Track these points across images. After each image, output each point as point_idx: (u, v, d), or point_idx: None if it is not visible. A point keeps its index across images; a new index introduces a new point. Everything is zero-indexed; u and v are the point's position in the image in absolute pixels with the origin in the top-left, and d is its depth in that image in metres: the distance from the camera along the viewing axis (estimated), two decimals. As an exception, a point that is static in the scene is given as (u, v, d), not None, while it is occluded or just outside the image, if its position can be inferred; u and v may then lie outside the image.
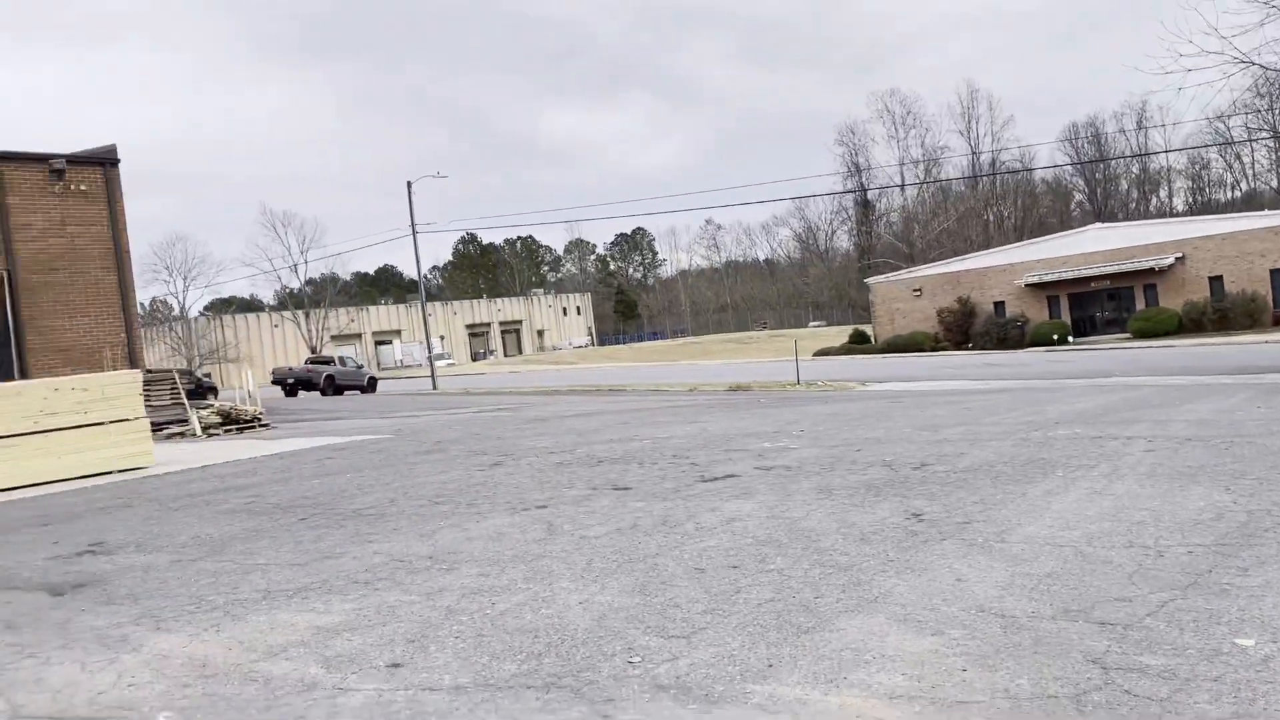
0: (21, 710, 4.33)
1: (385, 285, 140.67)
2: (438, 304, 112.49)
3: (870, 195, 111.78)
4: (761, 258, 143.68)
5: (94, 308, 26.53)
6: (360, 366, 48.97)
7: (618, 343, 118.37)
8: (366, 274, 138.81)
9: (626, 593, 5.42)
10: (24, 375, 23.93)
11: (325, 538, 7.66)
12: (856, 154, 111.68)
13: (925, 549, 5.99)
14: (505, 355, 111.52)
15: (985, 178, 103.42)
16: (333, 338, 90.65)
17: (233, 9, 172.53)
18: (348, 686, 4.30)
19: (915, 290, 58.91)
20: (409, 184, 42.57)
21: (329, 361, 46.45)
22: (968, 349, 53.08)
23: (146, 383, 20.46)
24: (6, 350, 24.33)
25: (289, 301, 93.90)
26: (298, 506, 9.32)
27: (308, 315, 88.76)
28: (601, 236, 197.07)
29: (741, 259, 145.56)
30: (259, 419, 22.27)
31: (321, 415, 27.74)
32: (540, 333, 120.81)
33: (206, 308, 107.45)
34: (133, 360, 27.53)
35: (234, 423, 21.92)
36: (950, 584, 5.21)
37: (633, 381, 37.32)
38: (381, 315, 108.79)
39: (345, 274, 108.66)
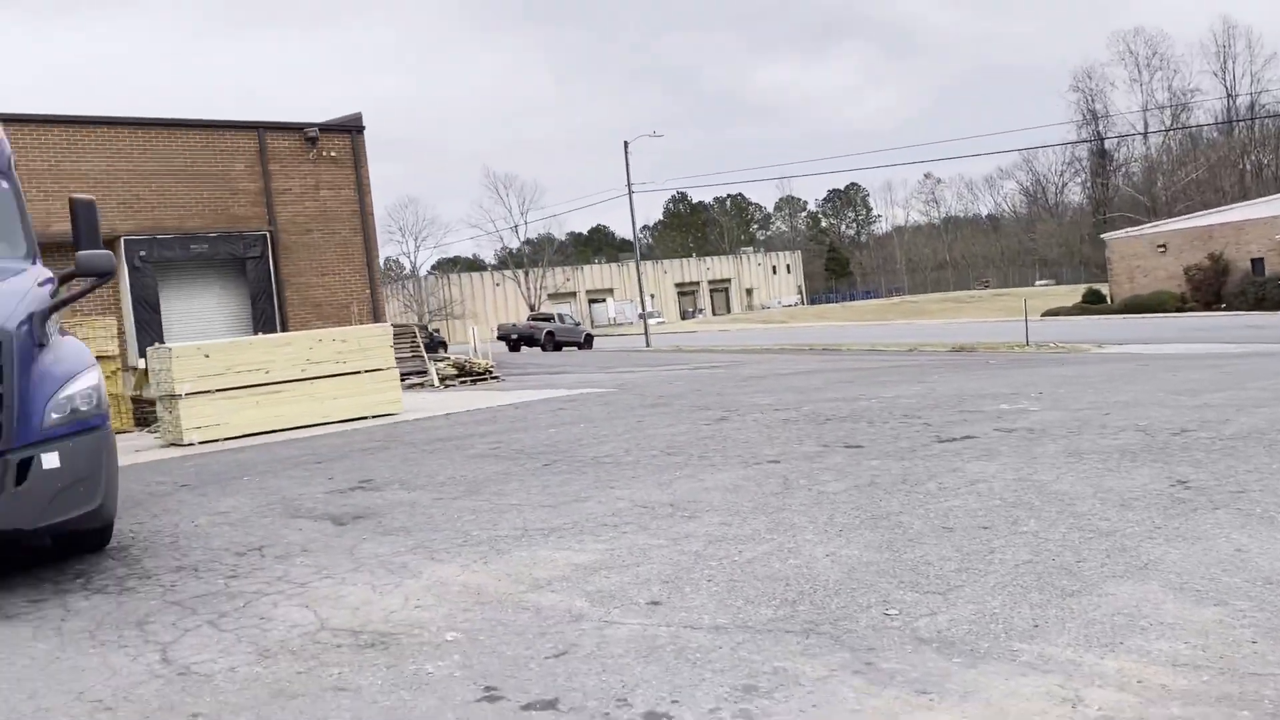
0: (328, 622, 4.84)
1: (598, 245, 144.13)
2: (648, 263, 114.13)
3: (1107, 145, 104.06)
4: (984, 213, 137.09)
5: (342, 266, 28.69)
6: (578, 324, 50.61)
7: (828, 301, 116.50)
8: (580, 234, 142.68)
9: (873, 548, 5.42)
10: (284, 328, 26.22)
11: (570, 483, 8.05)
12: (1093, 100, 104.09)
13: (1196, 517, 5.64)
14: (714, 314, 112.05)
15: (1242, 123, 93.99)
16: (549, 296, 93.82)
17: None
18: (612, 620, 4.54)
19: (1159, 246, 54.61)
20: (625, 144, 43.44)
21: (549, 319, 48.28)
22: (1219, 310, 48.81)
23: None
24: (270, 304, 26.63)
25: (509, 261, 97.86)
26: (539, 453, 9.82)
27: (526, 274, 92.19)
28: (813, 193, 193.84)
29: (962, 214, 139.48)
30: (490, 372, 23.47)
31: (545, 369, 28.91)
32: (749, 291, 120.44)
33: (434, 267, 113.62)
34: (376, 315, 29.62)
35: (467, 375, 23.21)
36: (1229, 554, 4.89)
37: (846, 341, 36.70)
38: (595, 274, 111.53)
39: (560, 234, 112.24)
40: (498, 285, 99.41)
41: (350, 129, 29.16)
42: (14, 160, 7.37)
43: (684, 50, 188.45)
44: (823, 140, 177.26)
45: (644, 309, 47.75)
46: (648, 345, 43.62)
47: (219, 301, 26.63)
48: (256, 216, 26.65)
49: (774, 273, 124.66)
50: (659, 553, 5.64)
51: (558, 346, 45.02)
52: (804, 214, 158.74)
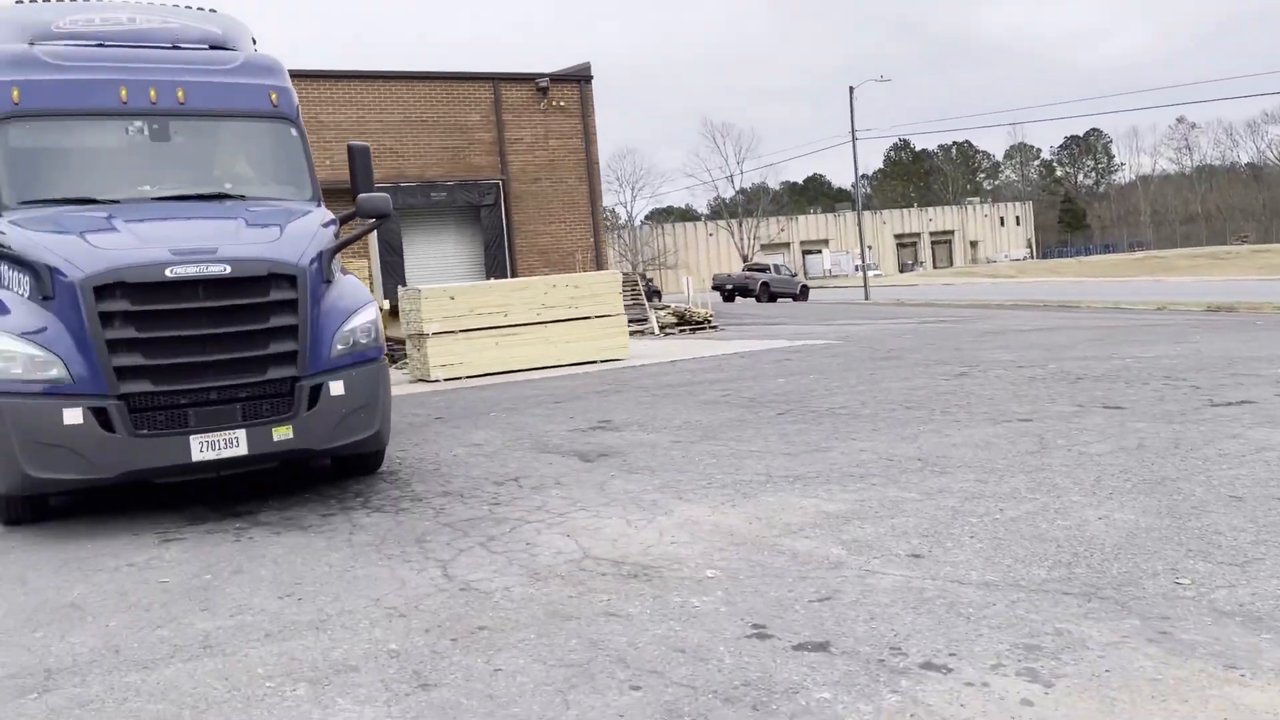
0: (590, 551, 5.04)
1: (813, 194, 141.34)
2: (866, 213, 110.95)
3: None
4: (1244, 160, 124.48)
5: (568, 214, 29.52)
6: (793, 275, 50.05)
7: (1061, 256, 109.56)
8: (795, 183, 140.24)
9: (1151, 514, 5.07)
10: (513, 274, 27.33)
11: (807, 432, 7.99)
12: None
13: None
14: (934, 267, 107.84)
15: None
16: (762, 246, 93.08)
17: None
18: (873, 569, 4.48)
19: None
20: (850, 90, 42.18)
21: (765, 269, 47.96)
22: None
23: (616, 283, 22.40)
24: (501, 251, 27.78)
25: (723, 210, 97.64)
26: (771, 402, 9.80)
27: (740, 224, 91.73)
28: (1047, 140, 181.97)
29: (1218, 163, 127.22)
30: (709, 321, 23.62)
31: (761, 320, 28.80)
32: (973, 244, 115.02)
33: (647, 216, 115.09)
34: (599, 263, 30.36)
35: (686, 323, 23.45)
36: None
37: (1084, 297, 34.42)
38: (810, 224, 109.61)
39: (775, 183, 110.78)
40: (710, 235, 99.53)
41: (579, 79, 29.77)
42: (300, 111, 7.95)
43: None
44: (1060, 84, 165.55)
45: (863, 261, 46.50)
46: (866, 298, 42.58)
47: (455, 247, 28.02)
48: (490, 166, 27.76)
49: (1001, 224, 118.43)
50: (912, 506, 5.51)
51: (772, 298, 44.71)
52: (1036, 162, 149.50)
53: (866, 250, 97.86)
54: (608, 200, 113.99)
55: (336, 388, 6.48)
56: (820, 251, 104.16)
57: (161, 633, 4.26)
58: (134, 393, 5.94)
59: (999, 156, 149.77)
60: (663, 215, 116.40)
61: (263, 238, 6.55)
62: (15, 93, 6.99)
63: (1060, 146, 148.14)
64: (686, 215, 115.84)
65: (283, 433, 6.27)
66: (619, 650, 3.73)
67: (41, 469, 5.87)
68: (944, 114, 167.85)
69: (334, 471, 7.56)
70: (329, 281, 6.77)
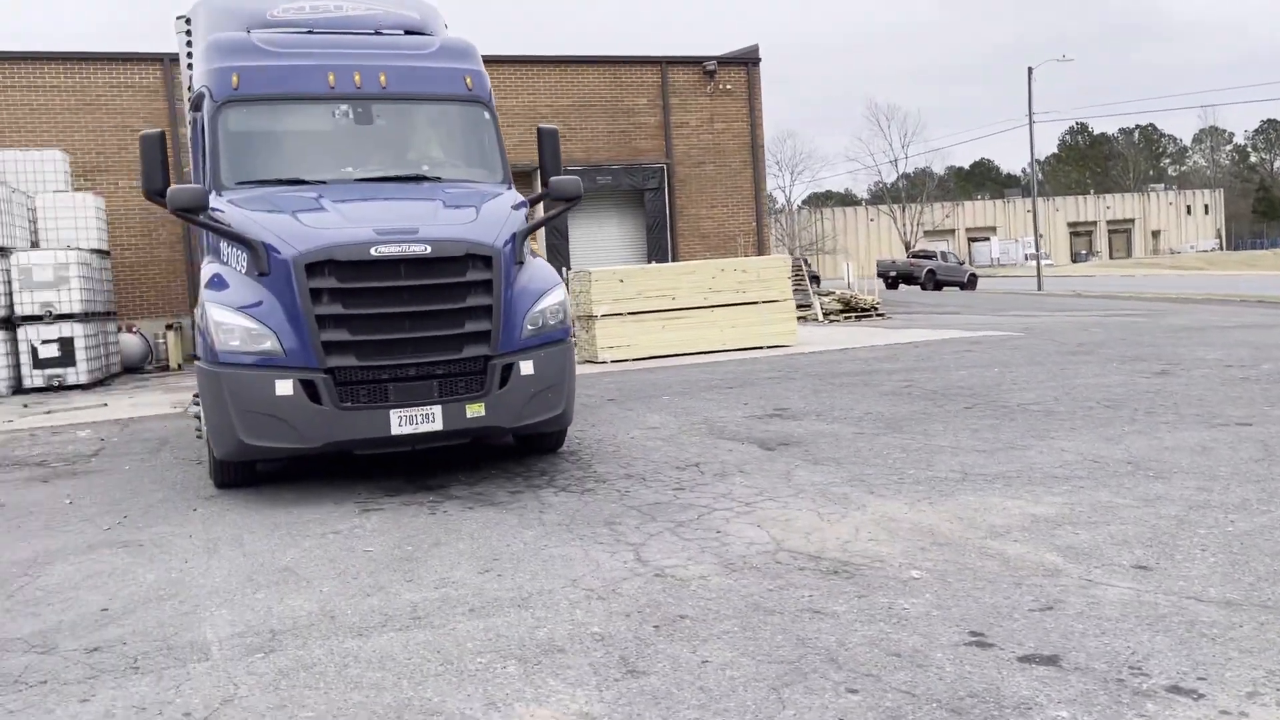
0: (784, 544, 4.92)
1: (980, 180, 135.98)
2: (1038, 200, 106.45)
3: None
4: None
5: (730, 198, 29.31)
6: (961, 263, 48.30)
7: (1256, 247, 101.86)
8: (961, 168, 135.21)
9: None
10: (674, 257, 27.36)
11: (999, 428, 7.62)
12: None
13: None
14: (1110, 257, 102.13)
15: None
16: (926, 233, 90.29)
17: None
18: (1095, 580, 4.19)
19: None
20: (1029, 70, 40.17)
21: (931, 256, 46.47)
22: None
23: (781, 268, 22.09)
24: (664, 235, 27.84)
25: (885, 195, 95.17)
26: (955, 395, 9.42)
27: (904, 209, 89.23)
28: (1241, 124, 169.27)
29: None
30: (875, 308, 23.02)
31: (930, 308, 27.89)
32: (1155, 234, 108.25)
33: (805, 201, 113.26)
34: (760, 248, 30.04)
35: (852, 310, 22.92)
36: None
37: (1287, 293, 31.81)
38: (976, 210, 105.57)
39: (939, 168, 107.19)
40: (871, 220, 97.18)
41: (746, 61, 29.45)
42: (492, 95, 8.08)
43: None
44: (1257, 63, 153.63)
45: (1036, 249, 44.41)
46: (1039, 289, 40.68)
47: (618, 230, 28.26)
48: (655, 149, 27.83)
49: (1188, 213, 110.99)
50: (1129, 513, 5.15)
51: (938, 286, 43.28)
52: (1229, 147, 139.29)
53: (1038, 239, 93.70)
54: (768, 184, 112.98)
55: (527, 367, 6.57)
56: (988, 239, 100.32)
57: (372, 601, 4.40)
58: (340, 367, 6.17)
59: (1186, 141, 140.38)
60: (821, 200, 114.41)
61: (460, 219, 6.69)
62: (235, 78, 7.37)
63: (1256, 131, 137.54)
64: (845, 200, 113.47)
65: (475, 410, 6.40)
66: (828, 649, 3.61)
67: (255, 437, 6.18)
68: (1125, 95, 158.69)
69: (517, 449, 7.70)
70: (520, 263, 6.86)
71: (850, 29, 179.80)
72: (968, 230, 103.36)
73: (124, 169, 24.34)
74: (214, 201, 7.03)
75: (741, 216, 29.96)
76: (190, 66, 9.69)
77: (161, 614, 4.37)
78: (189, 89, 9.76)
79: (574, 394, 7.11)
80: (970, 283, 44.17)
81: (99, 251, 18.69)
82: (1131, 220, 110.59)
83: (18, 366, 16.50)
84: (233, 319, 6.26)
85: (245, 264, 6.52)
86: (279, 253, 6.24)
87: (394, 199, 7.04)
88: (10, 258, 16.47)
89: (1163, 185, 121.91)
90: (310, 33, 8.10)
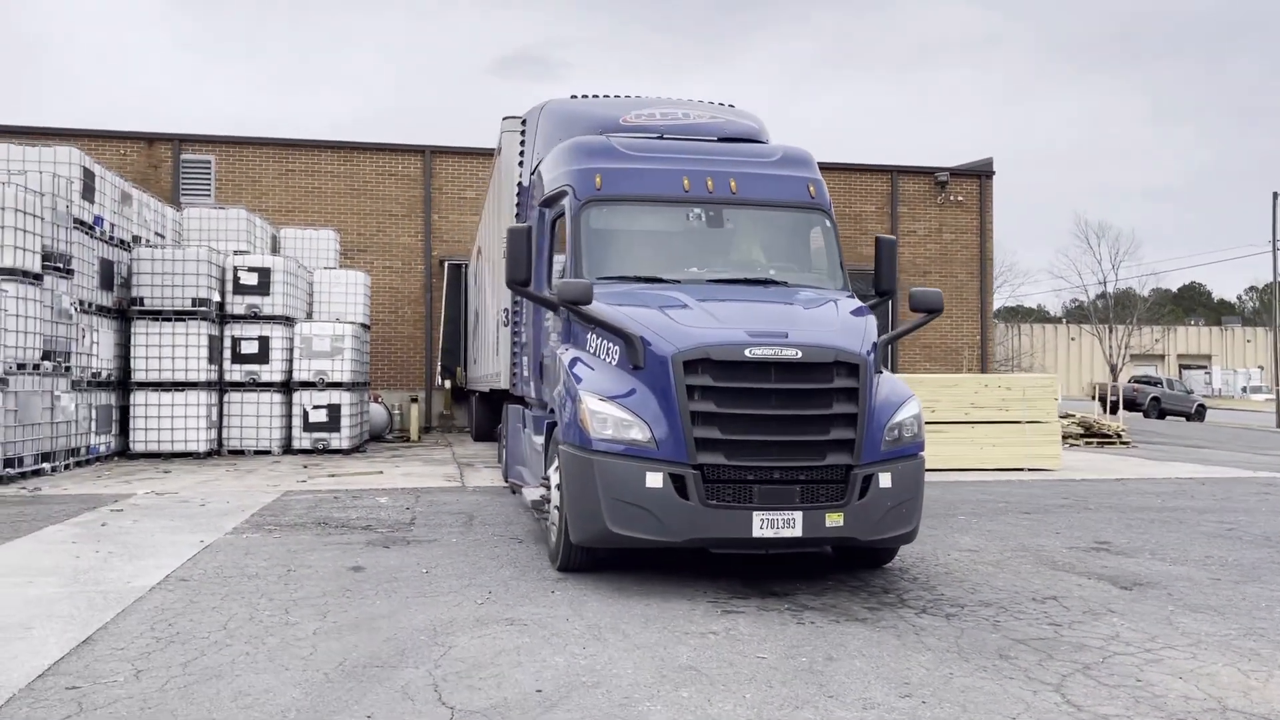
0: (1225, 702, 4.53)
1: (1190, 304, 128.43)
2: (1259, 329, 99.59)
3: None
4: None
5: (956, 310, 28.68)
6: (1190, 391, 45.35)
7: None
8: (1168, 290, 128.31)
9: None
10: (892, 368, 26.80)
11: (1383, 589, 6.91)
12: None
13: None
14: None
15: None
16: (1133, 356, 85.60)
17: (1046, 20, 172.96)
18: None
19: None
20: (1275, 195, 37.87)
21: (1156, 383, 43.85)
22: None
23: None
24: (886, 345, 27.33)
25: (1092, 314, 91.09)
26: (1294, 544, 8.66)
27: (1111, 330, 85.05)
28: None
29: None
30: (1120, 435, 21.76)
31: (1172, 439, 26.18)
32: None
33: (997, 314, 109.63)
34: (984, 363, 29.17)
35: (1094, 436, 21.74)
36: None
37: None
38: (1190, 336, 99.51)
39: (1144, 290, 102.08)
40: (1072, 339, 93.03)
41: (979, 174, 29.08)
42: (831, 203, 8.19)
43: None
44: None
45: (1277, 382, 41.18)
46: (1279, 425, 37.60)
47: (837, 335, 27.91)
48: (881, 257, 27.59)
49: None
50: None
51: (1162, 414, 40.71)
52: None
53: (1256, 370, 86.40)
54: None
55: (885, 479, 6.46)
56: (1205, 368, 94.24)
57: (805, 714, 4.30)
58: (709, 464, 6.23)
59: None
60: (1016, 314, 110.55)
61: (823, 325, 6.73)
62: (598, 179, 7.76)
63: None
64: (1042, 317, 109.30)
65: (835, 519, 6.31)
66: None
67: (621, 526, 6.29)
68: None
69: (836, 560, 7.54)
70: (879, 373, 6.81)
71: (1055, 143, 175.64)
72: (1179, 356, 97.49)
73: (380, 249, 26.15)
74: (576, 294, 7.35)
75: (966, 329, 29.25)
76: (521, 163, 10.32)
77: (597, 702, 4.41)
78: (518, 183, 10.38)
79: (922, 510, 6.92)
80: (1198, 413, 41.34)
81: (363, 325, 19.96)
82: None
83: (289, 429, 17.68)
84: (606, 408, 6.44)
85: (617, 356, 6.73)
86: (657, 348, 6.42)
87: (753, 301, 7.15)
88: (295, 327, 17.82)
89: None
90: (661, 138, 8.48)
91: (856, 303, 7.47)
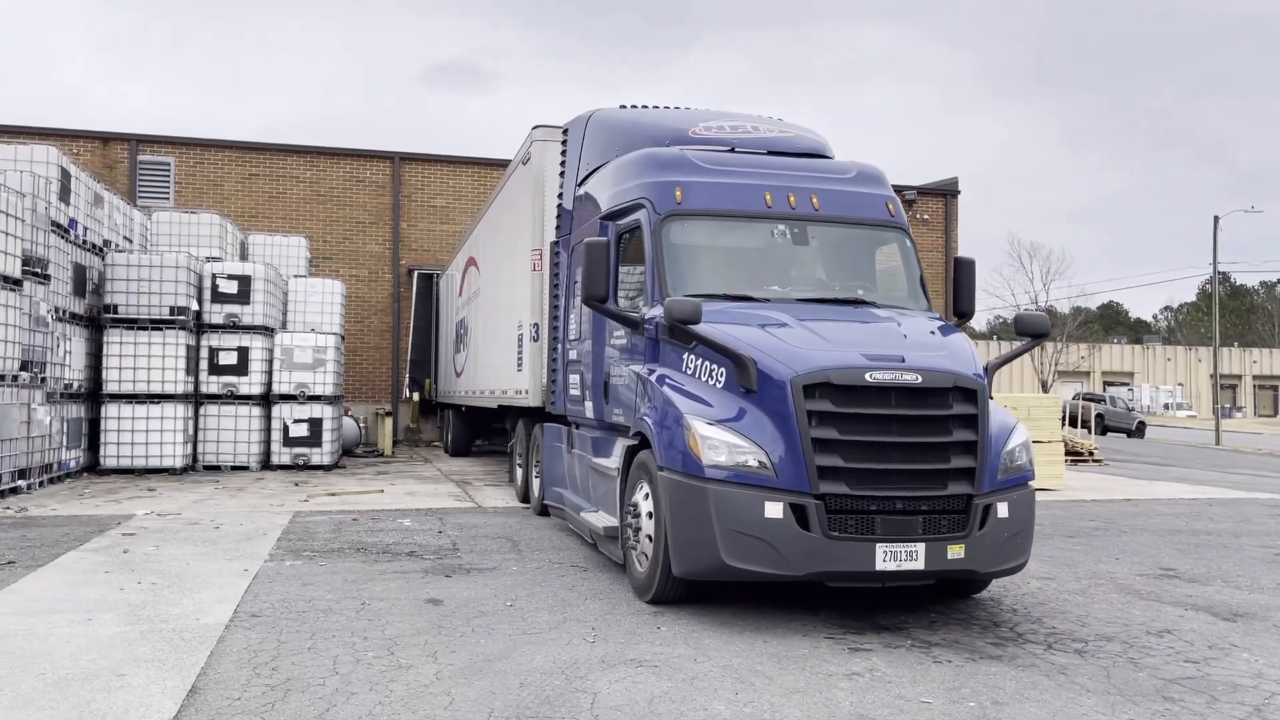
0: None
1: (1109, 323, 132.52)
2: (1179, 348, 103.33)
3: None
4: None
5: (920, 328, 28.94)
6: (1131, 408, 46.53)
7: None
8: (1087, 309, 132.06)
9: None
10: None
11: None
12: None
13: None
14: (1256, 414, 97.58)
15: None
16: (1060, 373, 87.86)
17: (971, 44, 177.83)
18: None
19: None
20: (1215, 219, 39.09)
21: (1100, 400, 44.96)
22: None
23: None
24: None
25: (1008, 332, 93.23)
26: (1347, 569, 8.71)
27: (1042, 347, 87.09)
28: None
29: None
30: (1093, 453, 22.08)
31: (1135, 457, 26.73)
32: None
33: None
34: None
35: (1070, 454, 22.00)
36: None
37: None
38: (1113, 354, 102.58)
39: (1064, 309, 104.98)
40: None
41: (945, 193, 29.42)
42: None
43: (1219, 118, 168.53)
44: None
45: (1215, 401, 42.49)
46: (1218, 442, 38.77)
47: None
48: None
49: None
50: None
51: (1104, 430, 41.66)
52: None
53: (1175, 388, 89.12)
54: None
55: (1002, 509, 6.26)
56: (1128, 384, 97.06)
57: (1021, 769, 4.04)
58: (831, 493, 5.95)
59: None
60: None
61: (930, 348, 6.51)
62: (678, 192, 7.45)
63: None
64: (969, 333, 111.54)
65: (956, 551, 6.09)
66: None
67: (737, 558, 5.97)
68: (1260, 247, 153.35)
69: (922, 588, 7.32)
70: (991, 398, 6.62)
71: (972, 165, 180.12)
72: (1104, 374, 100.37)
73: (347, 257, 25.40)
74: (658, 312, 7.05)
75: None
76: (562, 174, 9.95)
77: (796, 758, 4.10)
78: (560, 194, 10.01)
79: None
80: (1138, 430, 42.45)
81: (340, 336, 19.29)
82: (1279, 377, 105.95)
83: (268, 443, 16.94)
84: (717, 433, 6.13)
85: (723, 378, 6.43)
86: (772, 370, 6.13)
87: (852, 322, 6.91)
88: (275, 338, 17.10)
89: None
90: (732, 151, 8.21)
91: (950, 325, 7.29)
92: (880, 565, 5.97)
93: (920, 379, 6.10)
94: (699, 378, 6.63)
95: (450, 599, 6.77)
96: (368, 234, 25.57)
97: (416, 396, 24.70)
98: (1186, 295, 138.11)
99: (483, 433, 20.82)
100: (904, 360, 6.19)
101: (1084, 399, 44.98)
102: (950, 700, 4.88)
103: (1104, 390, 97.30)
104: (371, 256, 25.59)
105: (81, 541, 8.81)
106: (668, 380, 6.79)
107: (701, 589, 6.63)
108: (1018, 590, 7.53)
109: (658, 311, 7.10)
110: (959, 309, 7.92)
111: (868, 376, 6.04)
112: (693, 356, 6.72)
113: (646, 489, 6.80)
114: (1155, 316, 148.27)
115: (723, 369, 6.44)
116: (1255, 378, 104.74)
